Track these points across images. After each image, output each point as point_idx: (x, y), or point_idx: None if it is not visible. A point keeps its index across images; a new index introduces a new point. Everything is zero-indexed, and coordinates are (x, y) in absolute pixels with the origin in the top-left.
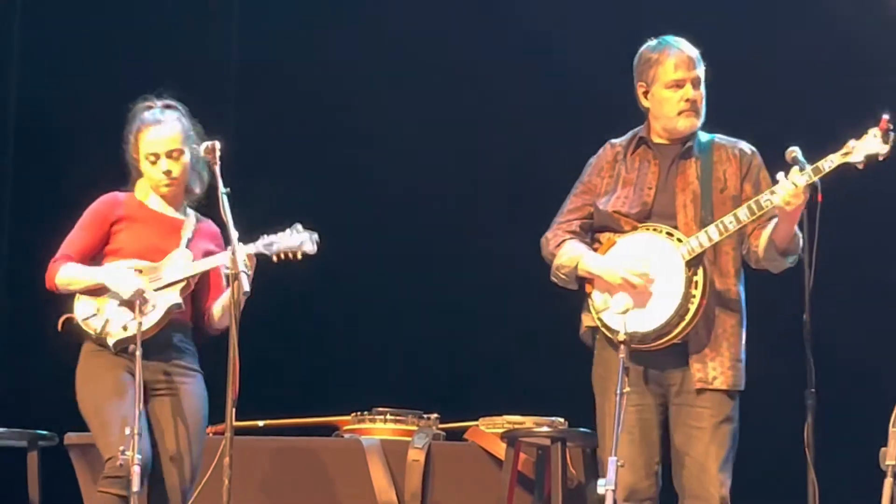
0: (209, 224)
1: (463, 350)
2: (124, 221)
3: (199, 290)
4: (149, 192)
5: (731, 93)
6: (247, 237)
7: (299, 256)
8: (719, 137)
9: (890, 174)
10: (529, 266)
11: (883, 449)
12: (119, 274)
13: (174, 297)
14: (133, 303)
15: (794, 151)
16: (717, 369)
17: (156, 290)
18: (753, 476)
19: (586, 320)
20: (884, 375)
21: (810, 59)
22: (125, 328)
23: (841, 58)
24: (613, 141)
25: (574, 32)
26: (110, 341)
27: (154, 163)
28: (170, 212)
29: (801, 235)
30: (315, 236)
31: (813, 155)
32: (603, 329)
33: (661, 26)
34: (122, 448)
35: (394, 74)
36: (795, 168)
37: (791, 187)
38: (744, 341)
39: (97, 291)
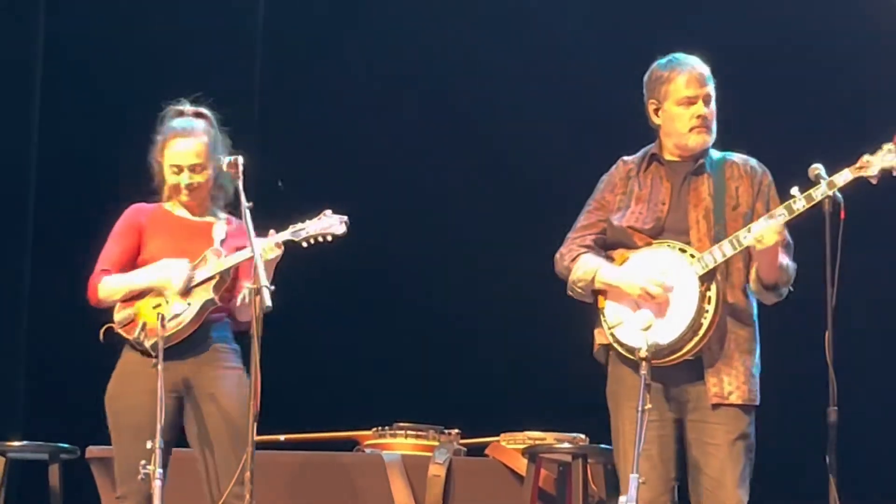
0: (241, 223)
1: (485, 365)
2: (153, 230)
3: (230, 286)
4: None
5: (742, 110)
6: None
7: (329, 239)
8: (731, 155)
9: None
10: (553, 281)
11: None
12: (162, 265)
13: (207, 294)
14: (183, 293)
15: (818, 169)
16: (733, 384)
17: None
18: (773, 493)
19: (599, 338)
20: None
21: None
22: (162, 328)
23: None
24: (626, 158)
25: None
26: (147, 344)
27: (177, 173)
28: (196, 217)
29: (791, 268)
30: (345, 218)
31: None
32: (615, 345)
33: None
34: (143, 462)
35: (406, 78)
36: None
37: (761, 228)
38: (758, 355)
39: (134, 297)
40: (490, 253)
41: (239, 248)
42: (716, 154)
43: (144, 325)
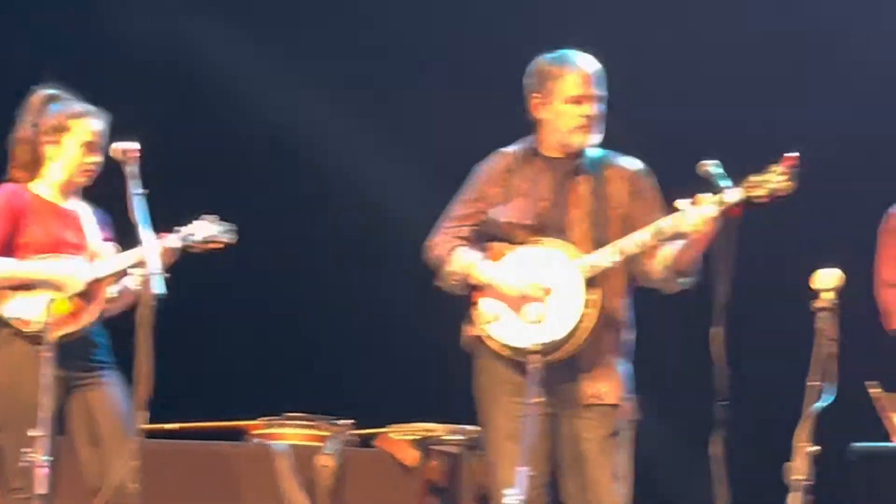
0: (99, 211)
1: (378, 356)
2: (33, 215)
3: None
4: (40, 182)
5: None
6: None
7: (220, 245)
8: (612, 155)
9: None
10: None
11: (788, 463)
12: (68, 265)
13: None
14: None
15: (708, 165)
16: (608, 385)
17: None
18: (659, 489)
19: (470, 329)
20: (791, 388)
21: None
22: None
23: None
24: (504, 150)
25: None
26: (50, 335)
27: (88, 152)
28: (62, 202)
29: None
30: (232, 226)
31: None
32: (487, 341)
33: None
34: (27, 450)
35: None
36: (705, 196)
37: (700, 216)
38: (631, 355)
39: (21, 287)
40: (379, 244)
41: (107, 240)
42: (596, 153)
43: (57, 316)
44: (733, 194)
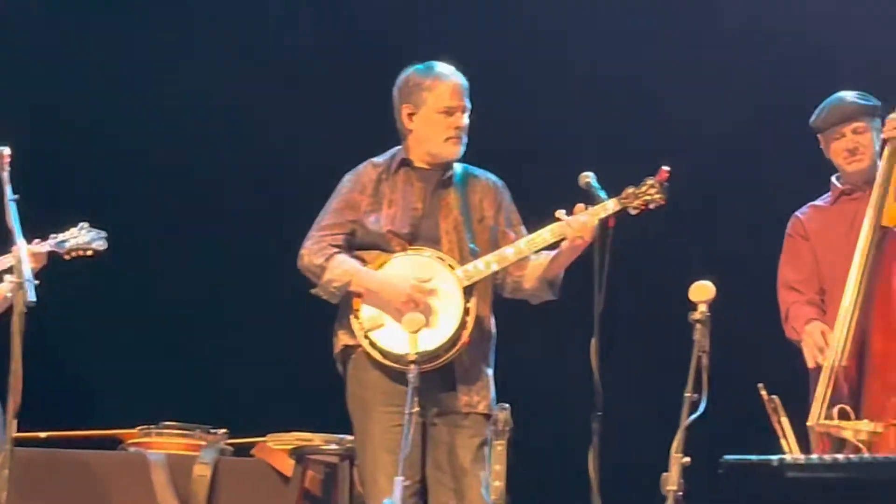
0: None
1: (254, 366)
2: None
3: None
4: None
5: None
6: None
7: (90, 253)
8: (472, 168)
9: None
10: None
11: (664, 474)
12: None
13: None
14: None
15: (588, 177)
16: (480, 393)
17: None
18: (537, 498)
19: (344, 339)
20: (668, 400)
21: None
22: None
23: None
24: (375, 160)
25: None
26: None
27: None
28: None
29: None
30: (104, 234)
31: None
32: (370, 349)
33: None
34: None
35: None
36: (583, 206)
37: (579, 226)
38: (492, 366)
39: None
40: (258, 253)
41: None
42: (458, 167)
43: None
44: (610, 205)
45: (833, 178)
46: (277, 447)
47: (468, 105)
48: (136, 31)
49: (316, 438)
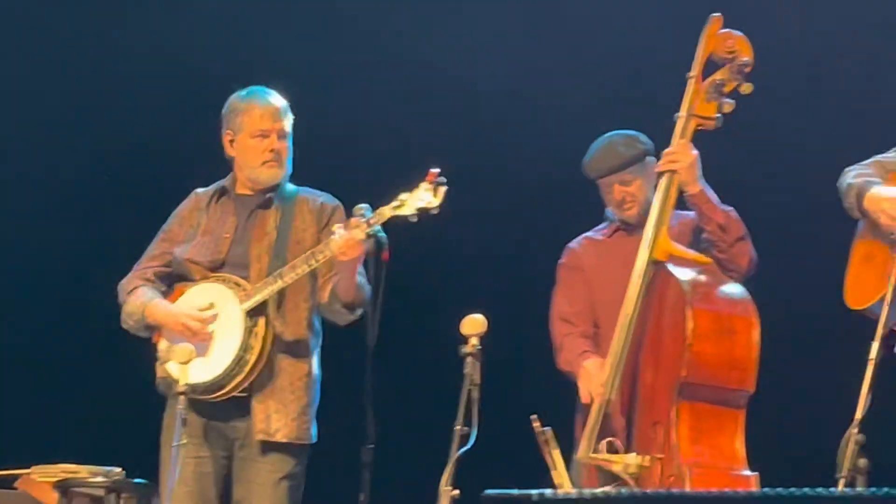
0: None
1: (17, 395)
2: None
3: None
4: None
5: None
6: None
7: None
8: (303, 190)
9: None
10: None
11: None
12: None
13: None
14: None
15: (362, 209)
16: (282, 421)
17: None
18: None
19: (160, 371)
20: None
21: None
22: None
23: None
24: (199, 190)
25: None
26: None
27: None
28: None
29: (367, 289)
30: None
31: None
32: (169, 378)
33: None
34: None
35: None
36: (353, 220)
37: (346, 239)
38: (316, 393)
39: None
40: (67, 283)
41: None
42: (290, 188)
43: None
44: (383, 213)
45: (607, 212)
46: (42, 479)
47: (285, 127)
48: None
49: (82, 470)
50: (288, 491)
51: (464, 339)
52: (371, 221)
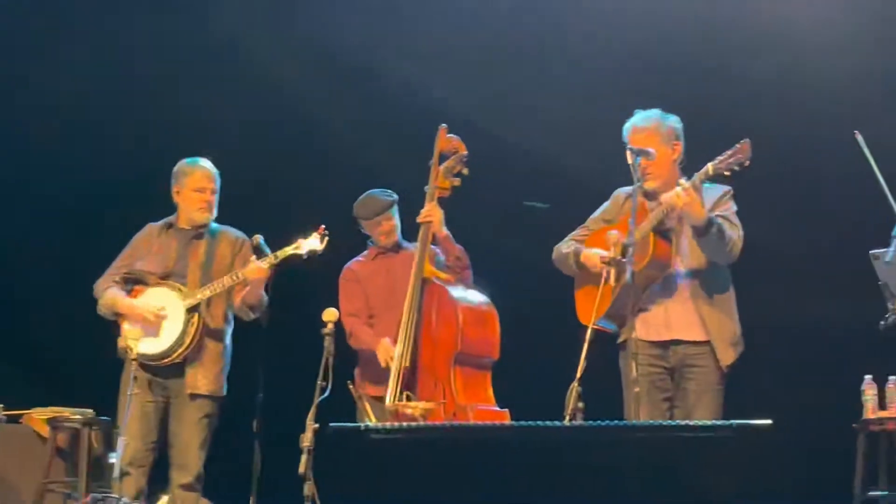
0: None
1: (23, 359)
2: None
3: None
4: None
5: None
6: None
7: None
8: (222, 227)
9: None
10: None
11: (302, 434)
12: None
13: None
14: None
15: (258, 238)
16: (205, 380)
17: None
18: (223, 466)
19: (120, 343)
20: (309, 385)
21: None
22: None
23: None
24: (153, 224)
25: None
26: None
27: None
28: None
29: (265, 299)
30: None
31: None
32: (129, 351)
33: None
34: None
35: None
36: (266, 255)
37: (258, 266)
38: (227, 362)
39: None
40: (61, 282)
41: None
42: (214, 225)
43: None
44: (285, 251)
45: (369, 242)
46: (38, 417)
47: (216, 187)
48: None
49: (66, 411)
50: (207, 426)
51: (324, 324)
52: (277, 255)
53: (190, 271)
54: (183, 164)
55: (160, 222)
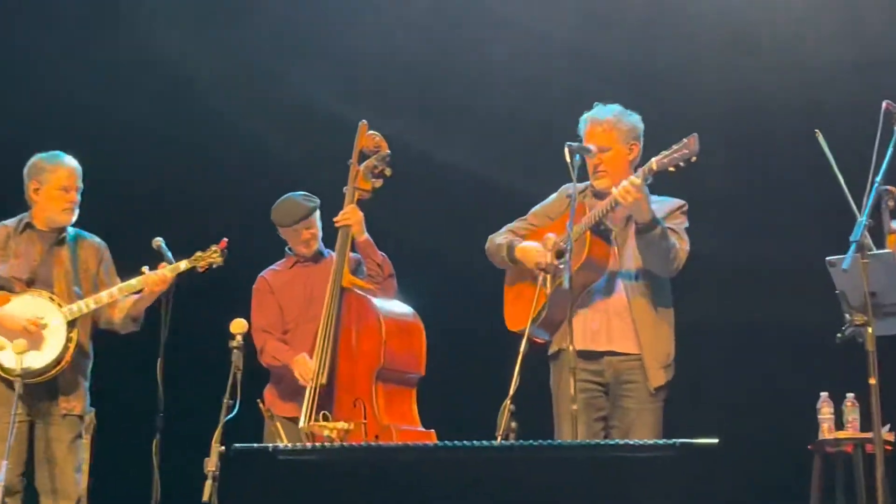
0: None
1: None
2: None
3: None
4: None
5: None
6: None
7: None
8: (82, 232)
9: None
10: None
11: (206, 459)
12: None
13: None
14: None
15: (159, 241)
16: (75, 400)
17: None
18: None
19: None
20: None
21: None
22: None
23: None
24: (5, 222)
25: None
26: None
27: None
28: None
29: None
30: None
31: None
32: None
33: None
34: None
35: None
36: (164, 264)
37: (157, 277)
38: (89, 377)
39: None
40: None
41: None
42: (71, 229)
43: None
44: (183, 265)
45: (287, 249)
46: None
47: (80, 185)
48: None
49: None
50: (81, 447)
51: (231, 336)
52: (180, 266)
53: (56, 279)
54: (41, 159)
55: (12, 221)
